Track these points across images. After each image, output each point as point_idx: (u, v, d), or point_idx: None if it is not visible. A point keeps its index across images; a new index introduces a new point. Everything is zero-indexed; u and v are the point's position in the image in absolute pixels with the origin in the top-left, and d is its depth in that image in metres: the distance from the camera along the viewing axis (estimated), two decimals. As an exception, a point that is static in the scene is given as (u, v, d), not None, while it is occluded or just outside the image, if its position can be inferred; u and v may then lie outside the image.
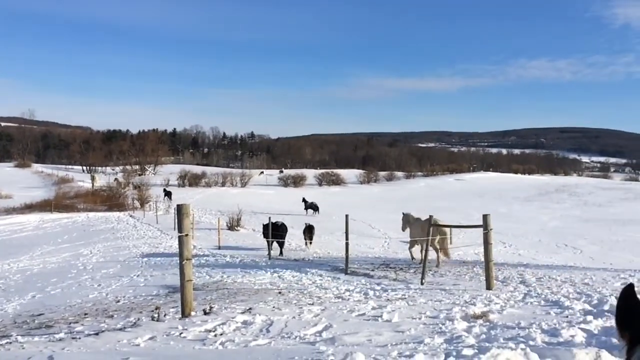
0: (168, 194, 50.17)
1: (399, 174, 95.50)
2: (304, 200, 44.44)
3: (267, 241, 19.21)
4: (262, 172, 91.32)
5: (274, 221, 20.24)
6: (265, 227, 20.08)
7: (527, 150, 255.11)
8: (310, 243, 21.75)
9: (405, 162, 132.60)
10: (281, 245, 19.67)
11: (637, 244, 24.57)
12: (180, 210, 6.85)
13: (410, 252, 16.13)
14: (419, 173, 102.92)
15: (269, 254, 18.24)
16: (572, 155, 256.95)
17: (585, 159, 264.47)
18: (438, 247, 14.59)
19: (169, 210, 36.00)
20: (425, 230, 12.97)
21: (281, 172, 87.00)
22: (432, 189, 67.04)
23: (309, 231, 21.99)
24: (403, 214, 17.75)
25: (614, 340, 4.43)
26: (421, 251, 14.34)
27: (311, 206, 41.87)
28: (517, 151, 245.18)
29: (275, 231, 19.62)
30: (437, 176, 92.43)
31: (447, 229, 15.44)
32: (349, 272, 13.31)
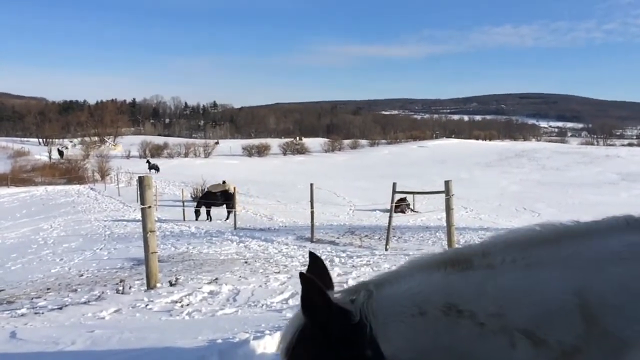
0: (154, 167, 48.42)
1: (363, 142, 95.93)
2: (147, 161, 51.79)
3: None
4: (217, 142, 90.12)
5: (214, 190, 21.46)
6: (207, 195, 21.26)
7: (488, 117, 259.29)
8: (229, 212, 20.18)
9: (370, 130, 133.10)
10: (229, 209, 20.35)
11: (592, 205, 25.51)
12: (142, 182, 6.74)
13: None
14: (383, 141, 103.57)
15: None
16: (532, 121, 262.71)
17: (544, 124, 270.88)
18: None
19: (130, 182, 35.32)
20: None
21: (217, 143, 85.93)
22: (395, 157, 67.71)
23: (225, 197, 20.82)
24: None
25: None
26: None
27: (153, 167, 48.20)
28: (478, 117, 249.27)
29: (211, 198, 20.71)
30: (401, 143, 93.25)
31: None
32: (314, 240, 13.45)
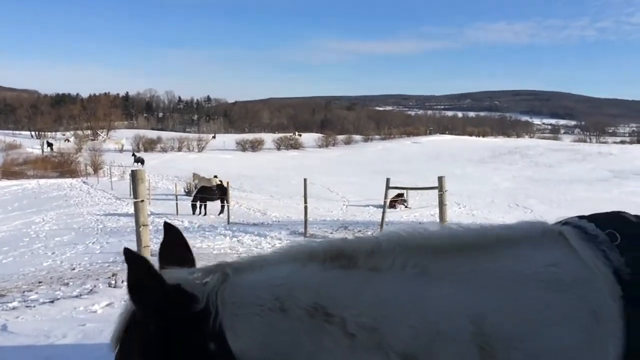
0: (139, 160, 48.82)
1: (357, 137, 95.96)
2: (133, 154, 53.40)
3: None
4: (214, 136, 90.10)
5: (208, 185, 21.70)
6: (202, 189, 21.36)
7: (481, 113, 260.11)
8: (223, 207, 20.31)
9: (364, 126, 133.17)
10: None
11: (583, 201, 25.67)
12: (135, 176, 6.71)
13: None
14: (377, 136, 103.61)
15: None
16: (525, 118, 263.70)
17: (537, 121, 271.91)
18: None
19: (123, 176, 35.20)
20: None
21: (213, 137, 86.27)
22: (389, 152, 67.79)
23: (221, 191, 20.99)
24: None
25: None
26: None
27: (139, 160, 49.33)
28: (472, 114, 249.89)
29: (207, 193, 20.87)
30: (395, 139, 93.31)
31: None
32: (308, 235, 13.47)
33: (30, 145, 66.20)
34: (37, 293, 7.16)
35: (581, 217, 1.37)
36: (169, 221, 1.52)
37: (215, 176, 22.76)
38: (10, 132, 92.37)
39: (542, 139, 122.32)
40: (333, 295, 1.18)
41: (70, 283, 7.84)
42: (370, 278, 1.20)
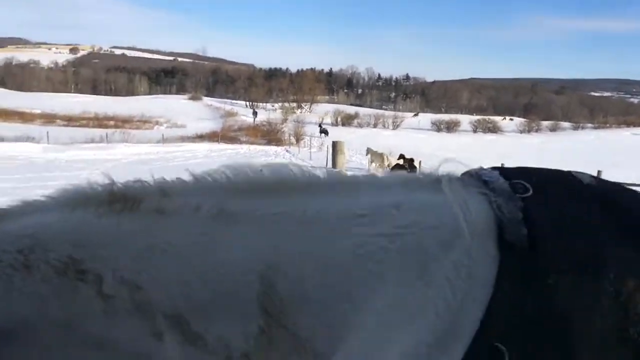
0: (324, 131, 51.74)
1: (565, 124, 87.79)
2: (319, 125, 56.35)
3: None
4: (417, 114, 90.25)
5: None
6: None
7: None
8: None
9: (574, 112, 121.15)
10: None
11: None
12: (335, 147, 6.95)
13: None
14: (589, 125, 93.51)
15: None
16: None
17: None
18: None
19: (321, 147, 37.22)
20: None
21: (416, 115, 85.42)
22: (603, 143, 60.66)
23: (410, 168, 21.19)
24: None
25: None
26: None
27: (324, 131, 51.24)
28: None
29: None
30: (611, 129, 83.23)
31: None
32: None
33: (245, 113, 73.72)
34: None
35: (495, 168, 0.93)
36: None
37: (402, 155, 22.77)
38: (229, 101, 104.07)
39: None
40: (93, 245, 0.92)
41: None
42: (150, 223, 0.93)
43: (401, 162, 22.04)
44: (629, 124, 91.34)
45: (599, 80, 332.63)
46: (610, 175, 14.18)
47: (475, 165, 0.95)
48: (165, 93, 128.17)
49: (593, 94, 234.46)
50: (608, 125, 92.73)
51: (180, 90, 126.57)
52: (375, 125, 70.91)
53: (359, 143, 47.44)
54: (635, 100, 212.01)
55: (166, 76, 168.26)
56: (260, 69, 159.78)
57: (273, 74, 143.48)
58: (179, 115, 59.80)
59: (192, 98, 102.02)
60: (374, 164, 24.43)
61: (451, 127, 72.06)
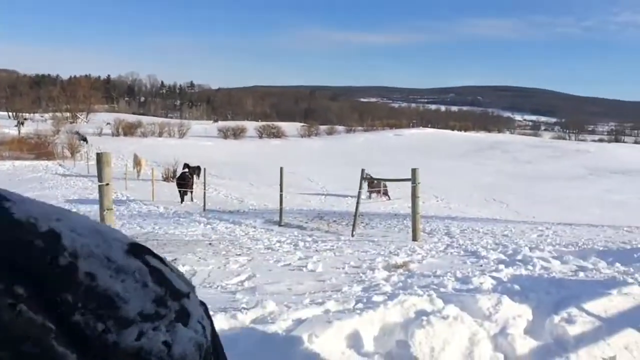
0: (83, 138, 48.82)
1: (340, 128, 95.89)
2: (77, 132, 53.58)
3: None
4: (216, 120, 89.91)
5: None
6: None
7: (464, 108, 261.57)
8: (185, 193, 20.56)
9: (347, 117, 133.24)
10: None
11: (560, 199, 26.00)
12: (100, 159, 6.57)
13: None
14: (360, 128, 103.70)
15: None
16: (507, 114, 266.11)
17: (518, 117, 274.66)
18: None
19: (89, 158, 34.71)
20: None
21: (215, 121, 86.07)
22: (371, 144, 67.84)
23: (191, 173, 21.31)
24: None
25: (517, 287, 4.70)
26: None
27: (82, 138, 49.08)
28: (454, 108, 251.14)
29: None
30: (377, 131, 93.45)
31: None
32: (282, 224, 13.41)
33: (7, 125, 64.83)
34: None
35: None
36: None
37: (186, 164, 22.52)
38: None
39: (523, 135, 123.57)
40: None
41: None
42: None
43: (186, 170, 21.67)
44: (391, 126, 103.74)
45: (366, 88, 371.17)
46: (377, 171, 15.96)
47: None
48: None
49: (362, 99, 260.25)
50: (375, 127, 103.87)
51: None
52: (160, 134, 68.49)
53: (143, 153, 45.20)
54: (396, 105, 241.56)
55: None
56: (25, 75, 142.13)
57: (40, 81, 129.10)
58: None
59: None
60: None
61: (238, 133, 73.24)
